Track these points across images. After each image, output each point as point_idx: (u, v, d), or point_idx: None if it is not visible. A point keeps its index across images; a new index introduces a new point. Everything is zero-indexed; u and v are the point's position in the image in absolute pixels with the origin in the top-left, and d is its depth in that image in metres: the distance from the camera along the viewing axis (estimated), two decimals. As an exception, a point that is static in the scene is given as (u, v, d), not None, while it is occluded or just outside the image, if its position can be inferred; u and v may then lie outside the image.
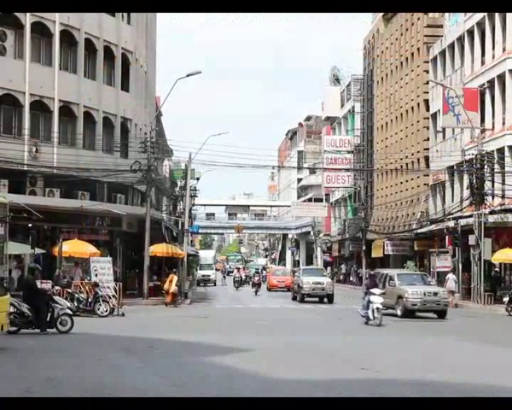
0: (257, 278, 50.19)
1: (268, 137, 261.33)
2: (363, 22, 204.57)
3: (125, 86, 41.88)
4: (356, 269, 71.77)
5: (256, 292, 48.81)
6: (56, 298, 22.92)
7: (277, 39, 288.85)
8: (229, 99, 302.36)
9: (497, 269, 40.46)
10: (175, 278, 36.48)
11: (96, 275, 30.61)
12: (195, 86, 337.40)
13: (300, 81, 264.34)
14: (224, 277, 70.02)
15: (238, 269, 61.64)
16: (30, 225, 29.43)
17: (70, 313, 22.34)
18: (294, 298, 42.61)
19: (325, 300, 40.85)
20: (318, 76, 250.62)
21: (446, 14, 50.67)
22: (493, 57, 42.96)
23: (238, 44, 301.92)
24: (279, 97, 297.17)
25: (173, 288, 35.74)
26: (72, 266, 34.11)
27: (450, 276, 39.30)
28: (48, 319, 21.47)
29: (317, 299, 41.06)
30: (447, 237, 45.11)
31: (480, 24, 44.19)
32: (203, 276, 65.54)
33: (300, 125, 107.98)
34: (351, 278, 74.16)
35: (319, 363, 16.38)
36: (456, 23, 48.32)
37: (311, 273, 43.36)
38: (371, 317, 26.02)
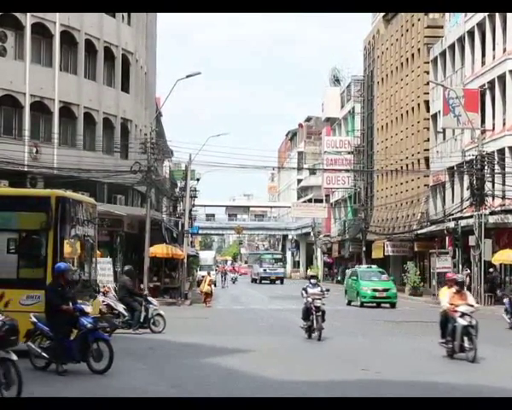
0: None
1: (268, 137, 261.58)
2: (364, 22, 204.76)
3: (125, 87, 41.88)
4: (344, 269, 72.69)
5: None
6: (150, 298, 23.34)
7: (278, 39, 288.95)
8: (229, 99, 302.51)
9: (491, 270, 40.36)
10: (207, 278, 38.88)
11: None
12: (197, 87, 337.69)
13: (301, 81, 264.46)
14: (225, 278, 69.51)
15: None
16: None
17: (163, 313, 22.84)
18: None
19: None
20: (319, 76, 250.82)
21: (447, 15, 50.67)
22: (494, 58, 42.95)
23: (237, 44, 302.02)
24: (280, 98, 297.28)
25: (206, 288, 37.79)
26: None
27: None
28: (142, 319, 22.04)
29: None
30: (447, 238, 45.08)
31: (481, 25, 44.18)
32: (203, 277, 65.20)
33: (300, 125, 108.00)
34: (338, 278, 74.96)
35: (319, 363, 16.38)
36: (456, 24, 48.31)
37: None
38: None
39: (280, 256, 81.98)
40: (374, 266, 44.75)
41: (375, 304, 37.34)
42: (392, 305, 37.41)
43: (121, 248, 42.44)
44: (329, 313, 22.73)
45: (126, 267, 25.66)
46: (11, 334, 11.26)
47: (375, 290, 37.38)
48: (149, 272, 39.21)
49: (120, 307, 21.97)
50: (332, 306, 30.59)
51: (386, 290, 37.70)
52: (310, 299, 21.09)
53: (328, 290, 22.26)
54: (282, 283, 72.49)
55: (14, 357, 10.92)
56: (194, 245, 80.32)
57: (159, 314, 22.58)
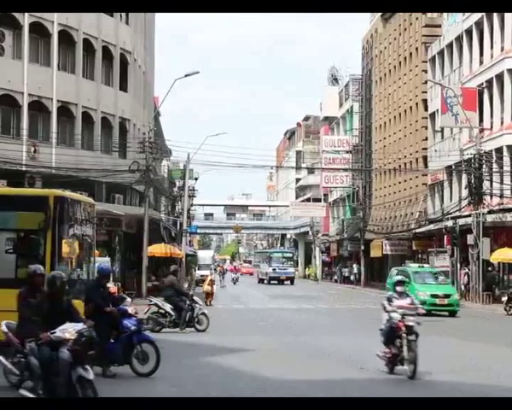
0: None
1: (268, 138, 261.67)
2: (363, 22, 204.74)
3: (123, 86, 41.85)
4: (340, 268, 72.78)
5: None
6: (195, 298, 23.51)
7: (278, 39, 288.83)
8: (229, 99, 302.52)
9: (490, 268, 40.44)
10: (208, 278, 37.76)
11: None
12: (196, 87, 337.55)
13: (301, 81, 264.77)
14: (223, 278, 69.23)
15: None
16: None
17: (206, 312, 23.14)
18: None
19: None
20: (319, 76, 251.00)
21: (445, 14, 50.68)
22: (492, 57, 42.98)
23: (237, 44, 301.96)
24: (279, 98, 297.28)
25: (205, 287, 36.69)
26: None
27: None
28: (187, 318, 22.30)
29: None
30: (446, 237, 45.09)
31: (479, 24, 44.20)
32: (202, 276, 65.10)
33: (299, 125, 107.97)
34: (335, 277, 75.15)
35: (319, 363, 16.37)
36: (454, 23, 48.33)
37: None
38: None
39: (291, 255, 74.91)
40: (426, 265, 38.72)
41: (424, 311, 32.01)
42: (453, 314, 30.92)
43: (120, 248, 42.39)
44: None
45: (172, 268, 25.93)
46: (89, 348, 10.16)
47: (434, 296, 30.85)
48: (148, 271, 39.18)
49: (167, 307, 22.28)
50: (370, 312, 28.21)
51: (447, 297, 31.29)
52: (398, 315, 14.49)
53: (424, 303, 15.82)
54: (292, 283, 67.19)
55: (92, 376, 9.89)
56: (192, 244, 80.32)
57: (203, 314, 22.93)
